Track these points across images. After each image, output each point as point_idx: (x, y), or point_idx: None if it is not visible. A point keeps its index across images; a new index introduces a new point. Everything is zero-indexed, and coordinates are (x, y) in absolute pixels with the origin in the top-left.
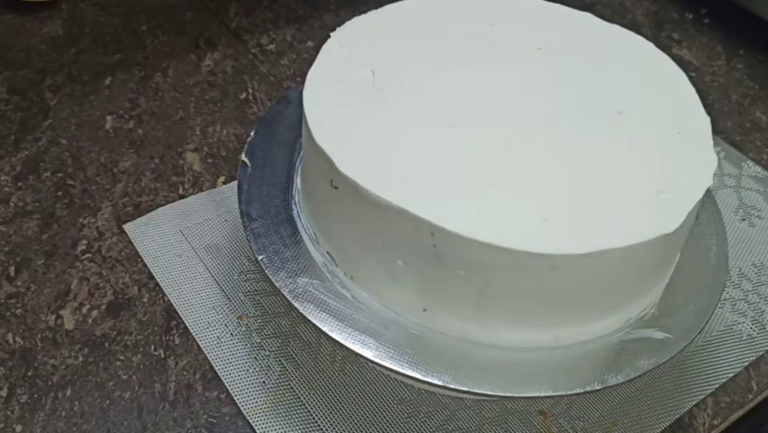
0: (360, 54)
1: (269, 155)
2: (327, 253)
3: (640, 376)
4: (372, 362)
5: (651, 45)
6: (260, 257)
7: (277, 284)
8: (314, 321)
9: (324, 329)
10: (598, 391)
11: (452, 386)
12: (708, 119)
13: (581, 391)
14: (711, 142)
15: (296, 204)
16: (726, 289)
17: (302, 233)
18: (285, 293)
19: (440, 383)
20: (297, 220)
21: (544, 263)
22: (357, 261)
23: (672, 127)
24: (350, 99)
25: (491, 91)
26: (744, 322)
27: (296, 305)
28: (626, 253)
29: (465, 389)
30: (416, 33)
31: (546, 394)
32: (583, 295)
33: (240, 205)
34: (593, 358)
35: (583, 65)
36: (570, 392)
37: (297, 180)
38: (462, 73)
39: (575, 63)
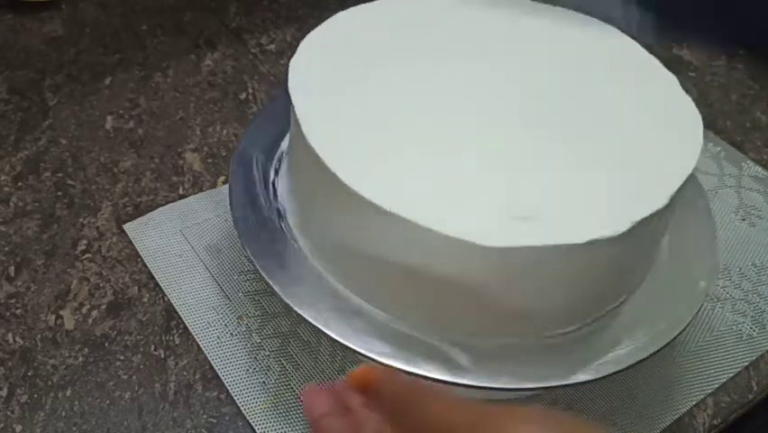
0: (344, 44)
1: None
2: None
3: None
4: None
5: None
6: (250, 251)
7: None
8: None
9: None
10: (563, 386)
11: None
12: (699, 119)
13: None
14: (695, 156)
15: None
16: (726, 289)
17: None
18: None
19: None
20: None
21: (478, 254)
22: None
23: (651, 135)
24: (334, 84)
25: (476, 87)
26: (744, 322)
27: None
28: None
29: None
30: (399, 29)
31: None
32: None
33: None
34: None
35: (567, 62)
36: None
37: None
38: (448, 67)
39: (559, 62)
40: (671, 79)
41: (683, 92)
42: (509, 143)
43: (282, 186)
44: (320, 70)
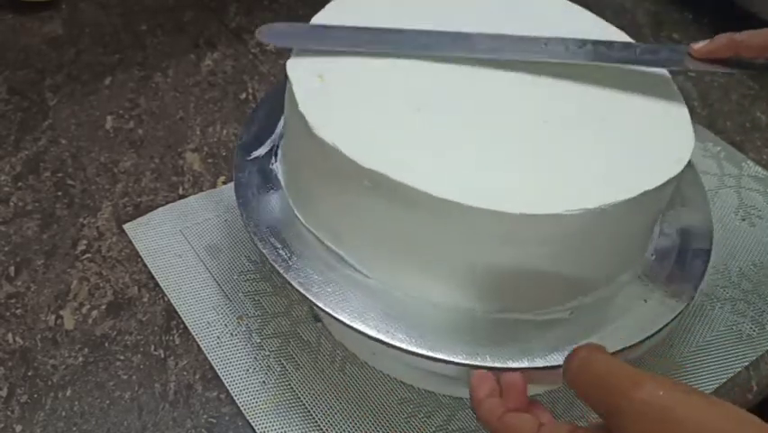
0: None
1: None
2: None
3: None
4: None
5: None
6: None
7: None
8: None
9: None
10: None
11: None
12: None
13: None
14: (683, 159)
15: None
16: (726, 289)
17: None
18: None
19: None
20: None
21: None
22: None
23: (647, 128)
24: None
25: (478, 66)
26: (744, 322)
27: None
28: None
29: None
30: (406, 11)
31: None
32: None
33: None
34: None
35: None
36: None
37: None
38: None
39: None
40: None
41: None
42: (510, 123)
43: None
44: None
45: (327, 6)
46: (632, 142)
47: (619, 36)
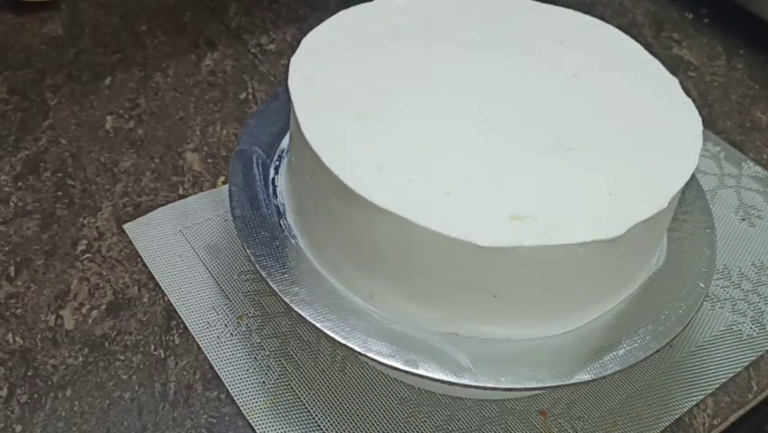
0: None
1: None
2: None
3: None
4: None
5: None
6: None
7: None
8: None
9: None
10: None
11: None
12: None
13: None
14: (692, 165)
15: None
16: (726, 289)
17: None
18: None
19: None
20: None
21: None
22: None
23: (657, 135)
24: (335, 83)
25: (476, 85)
26: (744, 322)
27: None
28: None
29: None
30: (400, 28)
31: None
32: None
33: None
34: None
35: (566, 62)
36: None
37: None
38: (448, 66)
39: (559, 61)
40: (671, 80)
41: (683, 93)
42: (510, 143)
43: (282, 184)
44: (321, 68)
45: (327, 21)
46: (636, 159)
47: (618, 36)
